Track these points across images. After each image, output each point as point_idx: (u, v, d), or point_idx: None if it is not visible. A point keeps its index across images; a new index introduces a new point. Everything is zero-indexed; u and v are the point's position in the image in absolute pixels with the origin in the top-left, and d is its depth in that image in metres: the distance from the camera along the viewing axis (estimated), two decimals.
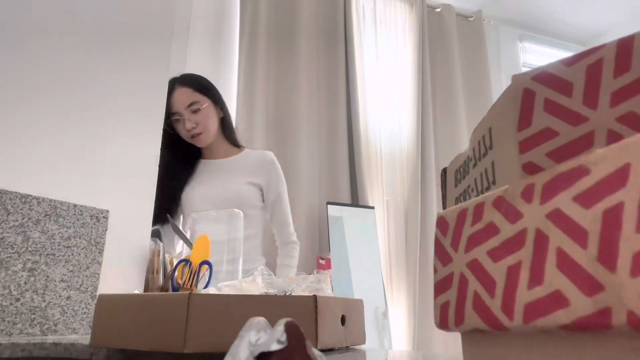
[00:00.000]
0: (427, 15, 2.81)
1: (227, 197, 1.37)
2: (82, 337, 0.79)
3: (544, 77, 0.28)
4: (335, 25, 2.52)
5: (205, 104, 1.40)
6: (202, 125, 1.39)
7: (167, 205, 1.34)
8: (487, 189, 0.33)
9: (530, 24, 3.24)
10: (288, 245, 1.48)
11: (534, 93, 0.28)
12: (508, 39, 3.22)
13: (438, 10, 2.92)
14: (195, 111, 1.38)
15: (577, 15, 3.12)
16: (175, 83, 1.40)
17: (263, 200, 1.46)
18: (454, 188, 0.41)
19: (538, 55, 3.22)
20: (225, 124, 1.49)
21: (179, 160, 1.44)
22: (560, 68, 0.28)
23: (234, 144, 1.52)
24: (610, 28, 3.13)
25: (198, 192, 1.41)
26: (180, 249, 1.26)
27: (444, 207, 0.44)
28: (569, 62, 0.28)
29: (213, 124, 1.43)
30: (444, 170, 0.44)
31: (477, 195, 0.35)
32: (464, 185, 0.38)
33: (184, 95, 1.39)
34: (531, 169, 0.27)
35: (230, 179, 1.43)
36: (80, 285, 0.89)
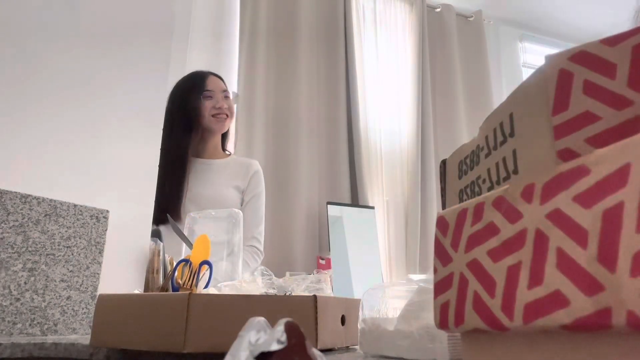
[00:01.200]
0: (427, 15, 2.80)
1: (210, 197, 1.41)
2: (82, 337, 0.79)
3: (583, 57, 0.26)
4: (335, 25, 2.52)
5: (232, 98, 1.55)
6: (230, 110, 1.52)
7: (171, 204, 1.34)
8: (506, 178, 0.31)
9: (530, 24, 3.24)
10: (244, 248, 1.43)
11: (571, 74, 0.26)
12: (508, 39, 3.22)
13: (438, 10, 2.92)
14: (226, 97, 1.52)
15: (577, 15, 3.12)
16: (207, 72, 1.55)
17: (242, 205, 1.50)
18: (456, 180, 0.39)
19: (538, 55, 3.22)
20: (229, 128, 1.59)
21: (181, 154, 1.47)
22: (602, 48, 0.26)
23: (224, 148, 1.60)
24: (610, 28, 3.11)
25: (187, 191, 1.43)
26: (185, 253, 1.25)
27: (443, 200, 0.43)
28: (612, 42, 0.25)
29: (234, 116, 1.57)
30: (444, 162, 0.43)
31: (490, 185, 0.33)
32: (471, 176, 0.37)
33: (220, 82, 1.54)
34: (568, 155, 0.25)
35: (216, 180, 1.47)
36: (80, 285, 0.89)
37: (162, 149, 1.24)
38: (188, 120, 1.46)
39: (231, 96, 1.54)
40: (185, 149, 1.44)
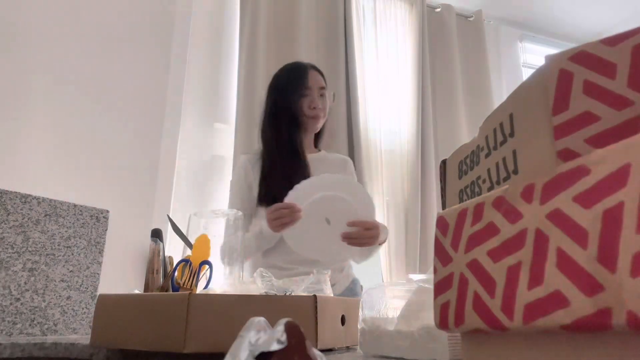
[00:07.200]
0: (427, 15, 2.80)
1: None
2: (82, 337, 0.79)
3: (583, 57, 0.26)
4: (335, 25, 2.52)
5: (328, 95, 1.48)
6: (324, 110, 1.46)
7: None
8: (506, 179, 0.31)
9: (530, 24, 3.24)
10: None
11: (571, 74, 0.26)
12: (508, 39, 3.22)
13: (438, 10, 2.92)
14: (322, 95, 1.45)
15: (577, 15, 3.12)
16: (308, 66, 1.48)
17: None
18: (457, 180, 0.39)
19: (538, 55, 3.22)
20: (324, 126, 1.55)
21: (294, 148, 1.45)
22: (602, 48, 0.26)
23: (316, 145, 1.59)
24: (610, 28, 3.13)
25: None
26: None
27: (443, 200, 0.43)
28: (611, 42, 0.25)
29: (326, 115, 1.50)
30: (444, 162, 0.43)
31: (490, 185, 0.33)
32: (471, 176, 0.36)
33: (319, 78, 1.46)
34: (568, 155, 0.25)
35: (325, 170, 1.45)
36: (80, 285, 0.89)
37: (269, 143, 1.31)
38: (293, 116, 1.43)
39: (328, 95, 1.48)
40: (297, 143, 1.42)
